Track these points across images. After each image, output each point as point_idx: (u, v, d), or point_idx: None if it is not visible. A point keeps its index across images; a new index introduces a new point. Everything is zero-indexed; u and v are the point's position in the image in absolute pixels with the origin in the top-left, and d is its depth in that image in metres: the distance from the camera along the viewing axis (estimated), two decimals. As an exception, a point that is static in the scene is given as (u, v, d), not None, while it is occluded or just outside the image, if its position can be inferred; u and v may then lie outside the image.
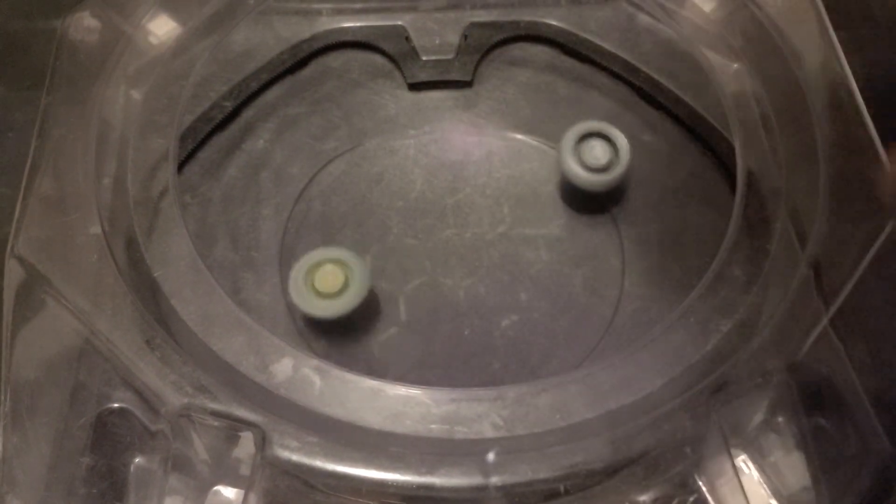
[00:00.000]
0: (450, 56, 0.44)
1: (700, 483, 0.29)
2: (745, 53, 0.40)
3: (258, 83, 0.43)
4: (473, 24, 0.44)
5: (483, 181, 0.42)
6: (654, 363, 0.32)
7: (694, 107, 0.41)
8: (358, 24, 0.44)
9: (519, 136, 0.44)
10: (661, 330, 0.33)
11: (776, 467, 0.30)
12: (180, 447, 0.30)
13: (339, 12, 0.44)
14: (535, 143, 0.43)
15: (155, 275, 0.34)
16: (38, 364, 0.32)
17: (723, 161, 0.41)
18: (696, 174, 0.42)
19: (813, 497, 0.29)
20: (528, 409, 0.31)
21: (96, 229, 0.34)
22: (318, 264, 0.36)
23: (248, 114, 0.44)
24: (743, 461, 0.30)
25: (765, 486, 0.30)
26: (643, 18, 0.44)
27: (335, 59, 0.45)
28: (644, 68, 0.43)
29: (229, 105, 0.42)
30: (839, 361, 0.31)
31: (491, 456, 0.29)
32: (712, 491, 0.29)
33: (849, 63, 0.38)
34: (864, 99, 0.37)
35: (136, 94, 0.39)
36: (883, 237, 0.33)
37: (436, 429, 0.30)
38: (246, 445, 0.29)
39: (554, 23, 0.44)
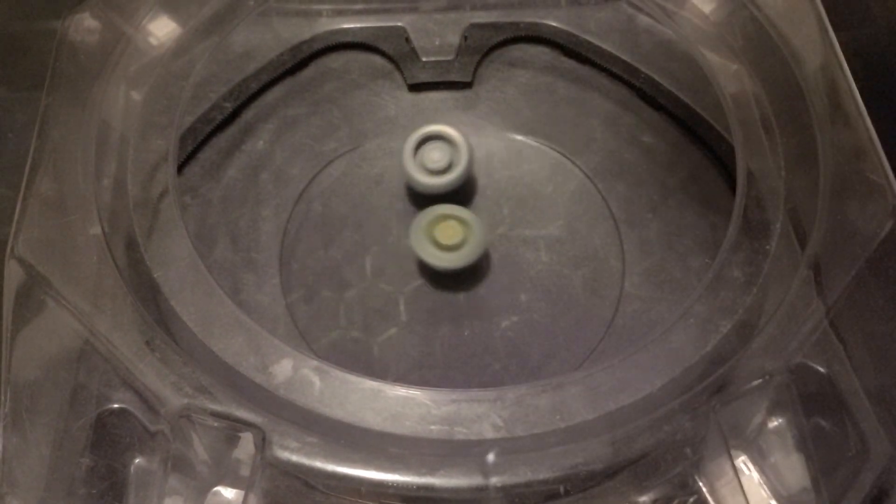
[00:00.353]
0: (450, 57, 0.44)
1: (700, 484, 0.29)
2: (745, 54, 0.40)
3: (258, 84, 0.43)
4: (473, 26, 0.44)
5: (483, 182, 0.42)
6: (654, 364, 0.32)
7: (694, 107, 0.41)
8: (358, 26, 0.44)
9: (519, 137, 0.44)
10: (660, 331, 0.33)
11: (776, 468, 0.30)
12: (180, 448, 0.30)
13: (340, 13, 0.44)
14: (534, 143, 0.43)
15: (155, 275, 0.34)
16: (38, 365, 0.32)
17: (723, 162, 0.41)
18: (696, 175, 0.42)
19: (813, 498, 0.29)
20: (528, 410, 0.31)
21: (96, 230, 0.34)
22: (441, 218, 0.38)
23: (248, 115, 0.44)
24: (743, 462, 0.30)
25: (765, 486, 0.30)
26: (643, 19, 0.44)
27: (335, 60, 0.45)
28: (644, 69, 0.43)
29: (229, 106, 0.42)
30: (839, 362, 0.31)
31: (491, 457, 0.29)
32: (712, 492, 0.29)
33: (849, 64, 0.38)
34: (864, 99, 0.37)
35: (136, 95, 0.39)
36: (882, 237, 0.33)
37: (436, 430, 0.30)
38: (246, 446, 0.29)
39: (554, 24, 0.44)
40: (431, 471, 0.29)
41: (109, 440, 0.31)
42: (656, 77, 0.43)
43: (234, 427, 0.30)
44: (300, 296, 0.39)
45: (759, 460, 0.30)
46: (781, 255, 0.35)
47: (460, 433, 0.30)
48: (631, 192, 0.42)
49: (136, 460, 0.31)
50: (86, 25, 0.40)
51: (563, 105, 0.45)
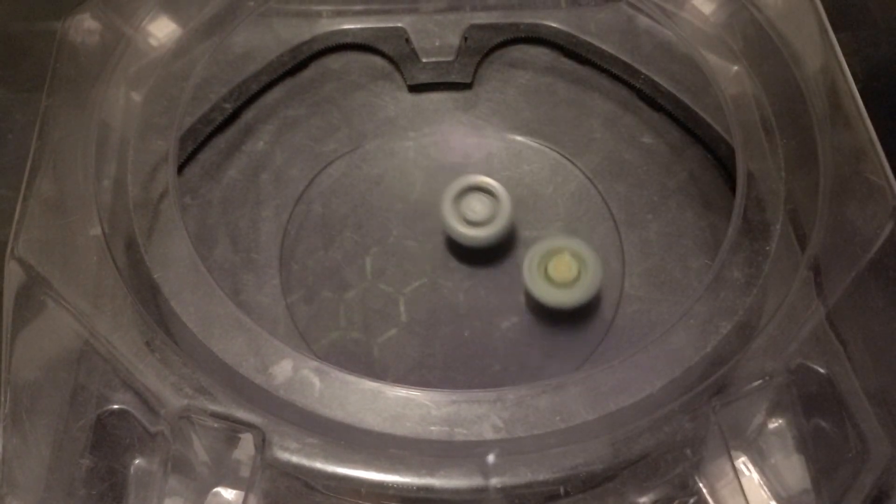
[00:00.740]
0: (450, 58, 0.44)
1: (700, 485, 0.29)
2: (745, 55, 0.40)
3: (258, 85, 0.43)
4: (473, 26, 0.44)
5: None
6: (654, 365, 0.32)
7: (694, 109, 0.41)
8: (358, 26, 0.44)
9: (519, 138, 0.44)
10: (661, 332, 0.33)
11: (776, 469, 0.30)
12: (180, 449, 0.30)
13: (340, 14, 0.44)
14: (535, 144, 0.43)
15: (155, 276, 0.34)
16: (37, 365, 0.32)
17: (723, 163, 0.41)
18: (696, 176, 0.42)
19: (813, 499, 0.29)
20: (528, 411, 0.31)
21: (96, 231, 0.34)
22: (554, 252, 0.37)
23: (248, 115, 0.44)
24: (743, 463, 0.30)
25: (765, 487, 0.30)
26: (643, 20, 0.44)
27: (335, 61, 0.45)
28: (644, 70, 0.43)
29: (229, 107, 0.42)
30: (839, 363, 0.31)
31: (491, 458, 0.29)
32: (712, 493, 0.29)
33: (849, 64, 0.38)
34: (864, 100, 0.37)
35: (136, 96, 0.39)
36: (882, 239, 0.33)
37: (436, 430, 0.30)
38: (246, 447, 0.29)
39: (554, 25, 0.44)
40: (431, 472, 0.29)
41: (109, 441, 0.31)
42: (656, 78, 0.43)
43: (234, 428, 0.30)
44: (300, 296, 0.39)
45: (760, 461, 0.30)
46: (781, 256, 0.35)
47: (460, 434, 0.30)
48: (631, 192, 0.42)
49: (136, 461, 0.31)
50: (86, 26, 0.40)
51: (563, 106, 0.45)
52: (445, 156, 0.43)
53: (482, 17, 0.44)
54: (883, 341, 0.32)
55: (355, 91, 0.45)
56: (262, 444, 0.29)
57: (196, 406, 0.30)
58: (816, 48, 0.39)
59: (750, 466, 0.30)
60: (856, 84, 0.37)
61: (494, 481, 0.29)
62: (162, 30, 0.41)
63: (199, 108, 0.41)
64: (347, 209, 0.41)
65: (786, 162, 0.37)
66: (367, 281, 0.39)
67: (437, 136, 0.44)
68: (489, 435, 0.30)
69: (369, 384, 0.31)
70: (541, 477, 0.29)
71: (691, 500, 0.29)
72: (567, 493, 0.29)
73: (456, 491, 0.29)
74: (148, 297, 0.34)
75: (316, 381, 0.31)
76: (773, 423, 0.31)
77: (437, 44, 0.44)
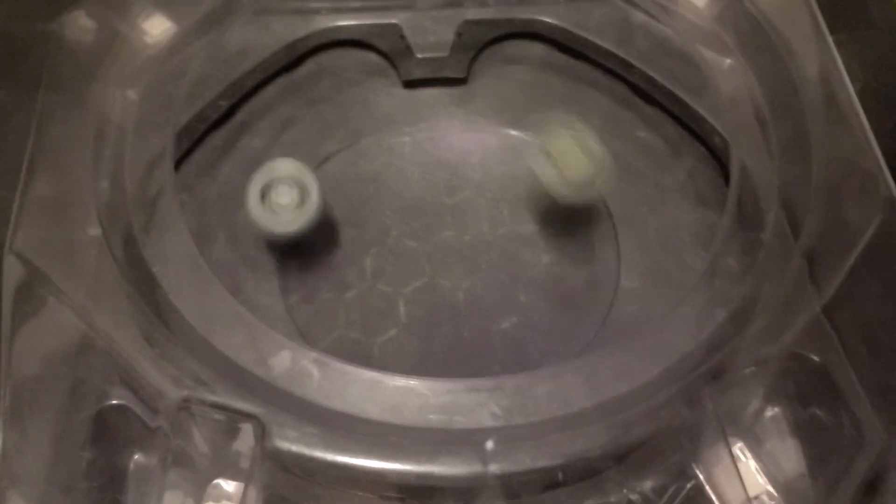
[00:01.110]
0: (444, 54, 0.44)
1: (697, 471, 0.30)
2: (739, 49, 0.40)
3: (253, 82, 0.43)
4: (468, 22, 0.44)
5: (480, 179, 0.42)
6: (651, 352, 0.32)
7: (689, 103, 0.42)
8: (353, 23, 0.44)
9: (514, 133, 0.44)
10: (657, 320, 0.33)
11: (772, 455, 0.30)
12: (180, 442, 0.30)
13: (334, 11, 0.44)
14: (530, 139, 0.43)
15: (153, 270, 0.34)
16: (37, 360, 0.32)
17: (718, 156, 0.41)
18: (692, 171, 0.42)
19: (809, 484, 0.30)
20: (527, 399, 0.31)
21: (94, 227, 0.34)
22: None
23: (243, 113, 0.44)
24: (739, 449, 0.30)
25: (761, 473, 0.30)
26: (638, 16, 0.44)
27: (330, 58, 0.45)
28: (639, 65, 0.43)
29: (225, 104, 0.42)
30: (833, 350, 0.32)
31: (490, 444, 0.29)
32: (709, 478, 0.29)
33: (847, 65, 0.38)
34: (862, 100, 0.37)
35: (132, 94, 0.39)
36: (874, 227, 0.33)
37: (434, 419, 0.30)
38: (245, 438, 0.30)
39: (548, 20, 0.44)
40: (430, 459, 0.29)
41: (109, 435, 0.31)
42: (651, 73, 0.43)
43: (234, 418, 0.30)
44: (300, 297, 0.39)
45: (756, 447, 0.30)
46: (776, 245, 0.35)
47: (459, 422, 0.30)
48: (627, 187, 0.42)
49: (136, 455, 0.31)
50: (81, 24, 0.40)
51: (559, 101, 0.45)
52: (441, 151, 0.43)
53: (476, 13, 0.44)
54: (876, 329, 0.32)
55: (350, 87, 0.45)
56: (262, 434, 0.29)
57: (195, 397, 0.30)
58: (809, 40, 0.39)
59: (746, 452, 0.30)
60: (855, 84, 0.37)
61: (493, 468, 0.29)
62: (157, 27, 0.41)
63: (195, 105, 0.41)
64: (345, 207, 0.41)
65: (780, 153, 0.37)
66: (366, 281, 0.39)
67: (433, 131, 0.44)
68: (488, 422, 0.30)
69: (368, 374, 0.31)
70: (539, 464, 0.29)
71: (688, 486, 0.29)
72: (565, 480, 0.29)
73: (455, 478, 0.29)
74: (146, 292, 0.34)
75: (315, 371, 0.31)
76: (769, 411, 0.31)
77: (431, 40, 0.44)
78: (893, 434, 0.29)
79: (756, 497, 0.30)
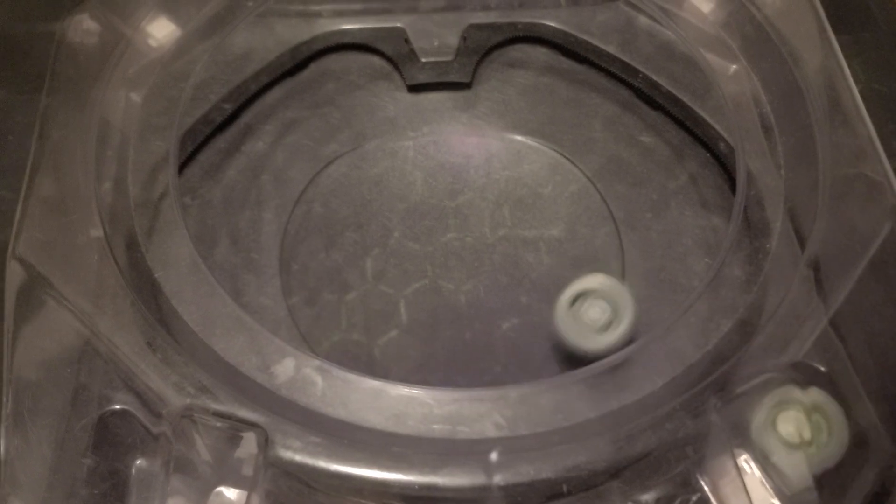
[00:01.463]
0: (449, 58, 0.44)
1: (702, 483, 0.29)
2: (744, 54, 0.40)
3: (258, 85, 0.43)
4: (472, 26, 0.44)
5: (483, 183, 0.42)
6: (656, 363, 0.32)
7: (693, 108, 0.41)
8: (357, 27, 0.44)
9: (518, 138, 0.44)
10: (661, 330, 0.33)
11: (778, 467, 0.30)
12: (182, 449, 0.30)
13: (339, 14, 0.44)
14: (534, 144, 0.43)
15: (156, 276, 0.34)
16: (39, 365, 0.31)
17: (722, 162, 0.41)
18: (696, 175, 0.42)
19: (815, 497, 0.29)
20: (531, 409, 0.31)
21: (97, 231, 0.34)
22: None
23: (247, 116, 0.44)
24: (745, 461, 0.30)
25: (767, 485, 0.30)
26: (642, 20, 0.44)
27: (334, 62, 0.45)
28: (643, 70, 0.43)
29: (229, 107, 0.42)
30: (839, 361, 0.31)
31: (494, 455, 0.29)
32: (714, 491, 0.29)
33: (850, 67, 0.38)
34: (865, 102, 0.37)
35: (136, 97, 0.39)
36: (882, 237, 0.33)
37: (438, 429, 0.30)
38: (248, 446, 0.29)
39: (553, 24, 0.44)
40: (434, 470, 0.29)
41: (111, 441, 0.31)
42: (655, 77, 0.43)
43: (237, 427, 0.30)
44: (301, 298, 0.39)
45: (762, 459, 0.30)
46: (782, 254, 0.35)
47: (463, 432, 0.30)
48: (631, 192, 0.42)
49: (138, 461, 0.31)
50: (84, 27, 0.40)
51: (563, 105, 0.45)
52: (445, 155, 0.43)
53: (481, 17, 0.44)
54: (883, 339, 0.32)
55: (355, 91, 0.45)
56: (265, 443, 0.29)
57: (198, 405, 0.30)
58: (815, 46, 0.39)
59: (752, 464, 0.30)
60: (857, 86, 0.37)
61: (497, 479, 0.29)
62: (161, 30, 0.41)
63: (199, 108, 0.41)
64: (348, 210, 0.41)
65: (785, 160, 0.37)
66: (367, 283, 0.39)
67: (437, 135, 0.44)
68: (492, 433, 0.30)
69: (371, 383, 0.31)
70: (543, 475, 0.29)
71: (693, 498, 0.29)
72: (569, 491, 0.29)
73: (458, 489, 0.29)
74: (149, 297, 0.34)
75: (318, 379, 0.31)
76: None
77: (436, 44, 0.44)
78: (900, 445, 0.29)
79: (761, 509, 0.30)
